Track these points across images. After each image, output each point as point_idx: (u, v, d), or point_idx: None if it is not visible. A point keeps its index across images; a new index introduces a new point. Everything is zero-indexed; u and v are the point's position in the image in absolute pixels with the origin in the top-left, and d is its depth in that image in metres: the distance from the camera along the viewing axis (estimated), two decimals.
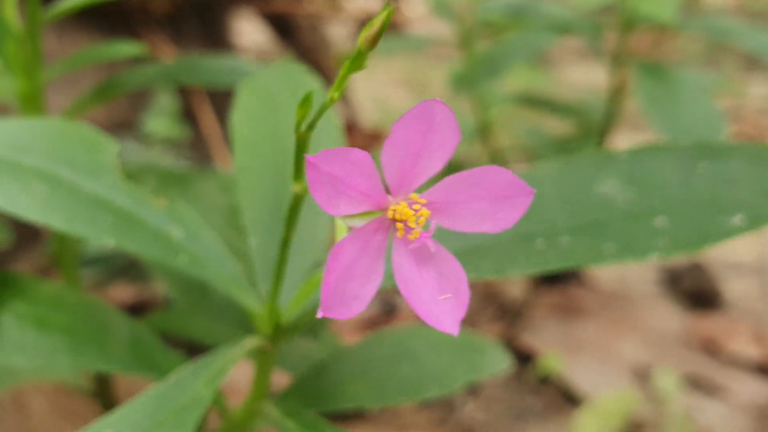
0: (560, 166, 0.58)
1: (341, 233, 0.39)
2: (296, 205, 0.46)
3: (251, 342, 0.53)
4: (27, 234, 1.32)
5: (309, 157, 0.34)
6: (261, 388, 0.56)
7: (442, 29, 1.71)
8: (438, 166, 0.37)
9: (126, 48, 0.79)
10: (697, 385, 1.32)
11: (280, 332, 0.53)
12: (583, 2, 1.28)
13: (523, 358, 1.42)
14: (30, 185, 0.54)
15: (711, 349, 1.44)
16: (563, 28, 1.42)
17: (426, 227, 0.38)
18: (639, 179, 0.56)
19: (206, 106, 1.62)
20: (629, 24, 1.38)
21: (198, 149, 1.61)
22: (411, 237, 0.37)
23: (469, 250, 0.54)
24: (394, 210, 0.37)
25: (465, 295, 0.38)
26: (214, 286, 0.54)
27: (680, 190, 0.55)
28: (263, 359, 0.55)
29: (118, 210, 0.55)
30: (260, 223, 0.56)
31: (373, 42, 0.37)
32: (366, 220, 0.38)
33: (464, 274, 0.38)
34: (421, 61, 3.64)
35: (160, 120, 1.50)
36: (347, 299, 0.36)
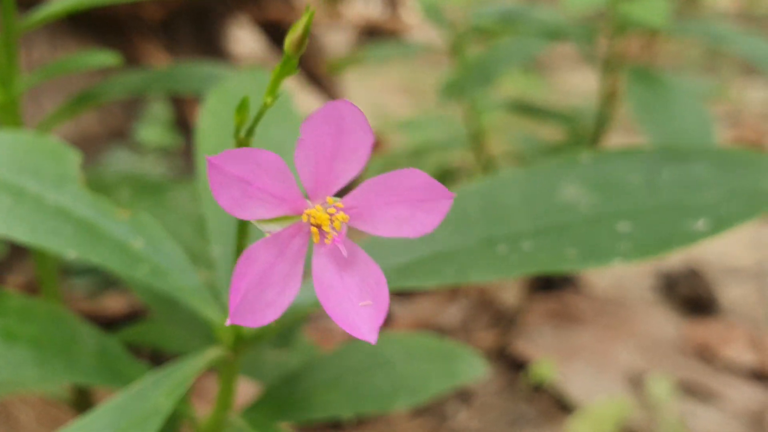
0: (526, 172, 0.57)
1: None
2: None
3: (213, 353, 0.53)
4: (21, 245, 1.32)
5: (209, 157, 0.32)
6: (226, 399, 0.56)
7: (438, 36, 1.71)
8: (355, 168, 0.36)
9: (101, 57, 0.78)
10: (691, 391, 1.31)
11: (242, 343, 0.53)
12: (573, 6, 1.27)
13: (518, 365, 1.41)
14: None
15: (706, 355, 1.42)
16: (555, 34, 1.41)
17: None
18: (603, 184, 0.55)
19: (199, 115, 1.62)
20: (621, 28, 1.37)
21: (191, 158, 1.61)
22: (326, 241, 0.36)
23: (433, 256, 0.54)
24: (309, 214, 0.36)
25: (384, 303, 0.37)
26: (176, 297, 0.53)
27: (644, 195, 0.54)
28: (227, 370, 0.55)
29: (80, 221, 0.54)
30: (223, 232, 0.56)
31: (298, 46, 0.37)
32: (283, 225, 0.36)
33: (385, 281, 0.37)
34: (419, 67, 3.64)
35: (153, 129, 1.50)
36: (260, 306, 0.35)
